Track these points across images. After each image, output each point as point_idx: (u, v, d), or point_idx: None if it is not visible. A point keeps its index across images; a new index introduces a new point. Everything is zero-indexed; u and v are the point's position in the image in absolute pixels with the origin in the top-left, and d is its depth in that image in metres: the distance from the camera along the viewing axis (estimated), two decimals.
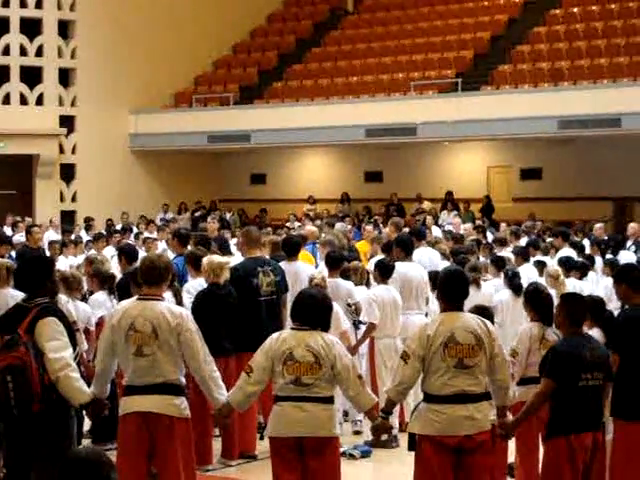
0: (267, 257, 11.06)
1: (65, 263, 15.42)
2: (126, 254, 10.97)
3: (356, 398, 6.81)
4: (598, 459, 6.93)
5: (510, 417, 7.07)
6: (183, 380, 6.94)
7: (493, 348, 6.70)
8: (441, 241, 15.46)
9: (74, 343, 6.83)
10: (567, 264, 13.00)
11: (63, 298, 8.86)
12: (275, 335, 6.86)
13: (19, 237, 19.34)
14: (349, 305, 10.77)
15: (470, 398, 6.63)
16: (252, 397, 6.94)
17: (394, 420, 10.44)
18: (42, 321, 6.63)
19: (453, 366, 6.61)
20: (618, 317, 7.65)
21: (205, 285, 9.89)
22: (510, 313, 11.06)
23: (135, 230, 22.11)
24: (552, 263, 13.49)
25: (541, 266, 13.04)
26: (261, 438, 9.82)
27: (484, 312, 7.52)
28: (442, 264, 12.54)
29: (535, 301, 8.10)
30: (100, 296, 10.32)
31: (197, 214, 30.18)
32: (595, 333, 7.71)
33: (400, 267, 11.05)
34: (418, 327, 7.12)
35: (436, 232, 20.14)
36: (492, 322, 7.36)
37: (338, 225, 18.21)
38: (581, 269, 13.16)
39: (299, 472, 6.73)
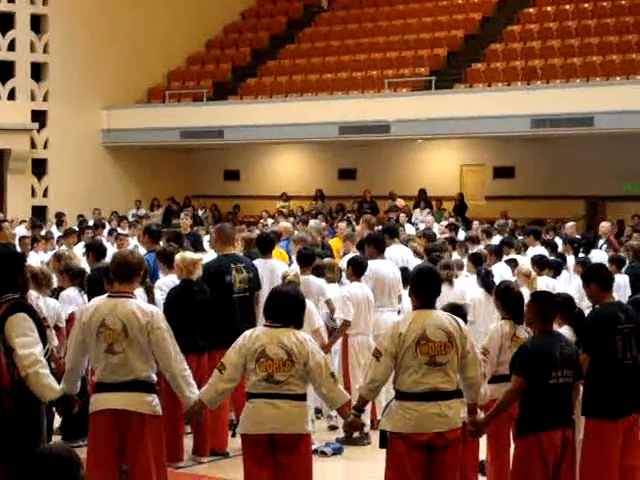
0: (240, 254, 11.03)
1: (36, 259, 15.31)
2: (94, 250, 10.99)
3: (328, 395, 6.80)
4: (568, 456, 6.95)
5: (481, 415, 7.08)
6: (154, 377, 6.91)
7: (465, 346, 6.70)
8: (414, 239, 15.47)
9: (44, 339, 6.78)
10: (540, 262, 13.03)
11: (33, 294, 8.80)
12: (248, 332, 6.84)
13: None
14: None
15: (441, 395, 6.64)
16: (224, 394, 6.92)
17: (366, 418, 10.45)
18: (12, 317, 6.58)
19: (425, 363, 6.61)
20: (588, 316, 7.67)
21: (177, 282, 9.85)
22: (483, 311, 11.08)
23: (108, 226, 21.99)
24: (524, 261, 13.53)
25: (513, 264, 13.07)
26: (233, 435, 9.80)
27: (457, 310, 7.53)
28: (415, 262, 12.55)
29: (506, 299, 8.14)
30: (71, 292, 10.27)
31: (172, 208, 30.08)
32: (565, 331, 7.74)
33: (372, 265, 11.05)
34: (390, 324, 7.11)
35: (409, 230, 20.17)
36: (465, 320, 7.37)
37: (312, 222, 18.18)
38: (554, 267, 13.21)
39: (271, 469, 6.72)
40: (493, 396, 7.51)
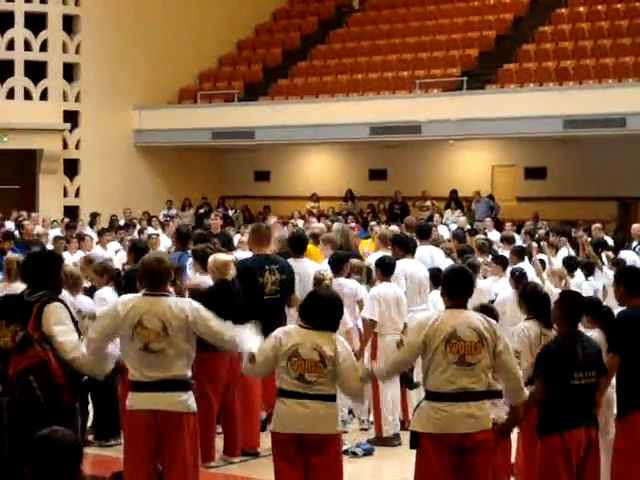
0: (275, 255, 10.92)
1: (70, 259, 15.33)
2: (136, 250, 11.01)
3: (350, 393, 6.91)
4: (592, 456, 6.94)
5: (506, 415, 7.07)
6: (190, 374, 6.88)
7: (497, 346, 6.64)
8: (444, 240, 15.44)
9: (79, 332, 6.85)
10: (570, 264, 12.96)
11: (65, 294, 8.83)
12: (282, 330, 6.85)
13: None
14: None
15: (471, 396, 6.59)
16: (269, 367, 6.93)
17: (396, 417, 10.43)
18: (48, 306, 6.69)
19: (454, 362, 6.56)
20: (618, 316, 7.64)
21: (210, 282, 9.81)
22: (512, 313, 10.96)
23: (138, 226, 22.08)
24: (556, 262, 13.48)
25: (541, 265, 12.99)
26: (263, 430, 9.80)
27: (489, 312, 7.46)
28: (446, 262, 12.51)
29: (532, 301, 8.01)
30: (105, 292, 10.26)
31: (201, 211, 30.16)
32: (595, 333, 7.69)
33: (401, 264, 11.06)
34: (418, 319, 7.13)
35: (442, 230, 20.12)
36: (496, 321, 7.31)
37: (336, 225, 18.09)
38: (586, 268, 13.11)
39: (301, 469, 6.72)
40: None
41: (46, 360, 6.53)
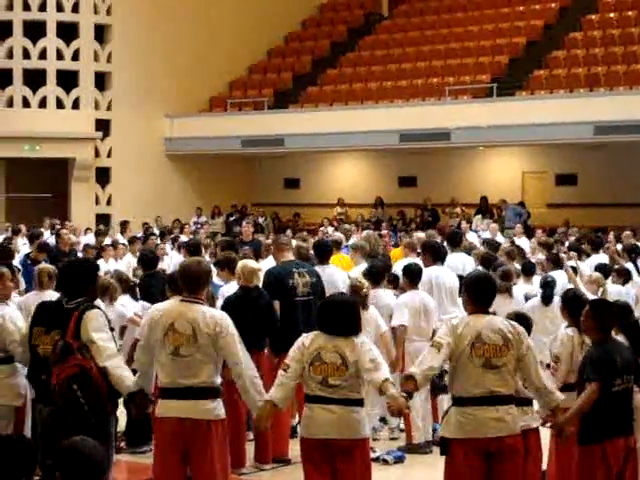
0: (301, 261, 10.96)
1: (106, 267, 15.37)
2: (143, 261, 11.20)
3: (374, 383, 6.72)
4: (630, 464, 6.91)
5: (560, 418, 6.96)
6: (219, 381, 6.92)
7: (520, 349, 6.61)
8: (476, 247, 15.42)
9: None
10: (603, 271, 12.89)
11: (100, 303, 8.94)
12: (306, 336, 6.85)
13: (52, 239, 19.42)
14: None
15: (499, 400, 6.55)
16: (292, 392, 6.87)
17: (428, 426, 10.42)
18: (88, 313, 6.77)
19: (480, 366, 6.53)
20: None
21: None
22: (537, 321, 10.91)
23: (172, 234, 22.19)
24: (585, 269, 13.44)
25: (574, 272, 12.96)
26: (292, 436, 9.85)
27: (523, 320, 7.42)
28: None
29: (574, 306, 7.97)
30: (125, 299, 10.38)
31: (232, 218, 30.25)
32: (620, 339, 7.66)
33: (431, 271, 11.05)
34: (447, 324, 7.03)
35: (471, 237, 20.08)
36: (529, 330, 7.26)
37: (365, 233, 18.12)
38: (623, 275, 13.02)
39: (329, 474, 6.72)
40: (565, 404, 7.48)
41: (88, 368, 6.59)
